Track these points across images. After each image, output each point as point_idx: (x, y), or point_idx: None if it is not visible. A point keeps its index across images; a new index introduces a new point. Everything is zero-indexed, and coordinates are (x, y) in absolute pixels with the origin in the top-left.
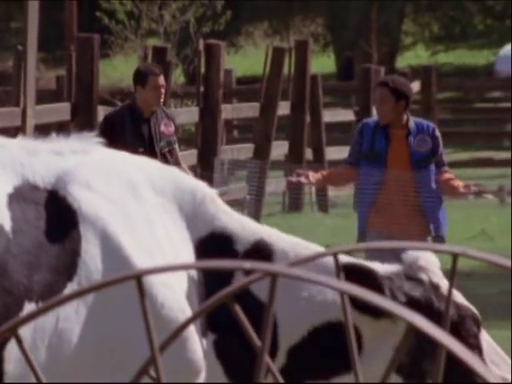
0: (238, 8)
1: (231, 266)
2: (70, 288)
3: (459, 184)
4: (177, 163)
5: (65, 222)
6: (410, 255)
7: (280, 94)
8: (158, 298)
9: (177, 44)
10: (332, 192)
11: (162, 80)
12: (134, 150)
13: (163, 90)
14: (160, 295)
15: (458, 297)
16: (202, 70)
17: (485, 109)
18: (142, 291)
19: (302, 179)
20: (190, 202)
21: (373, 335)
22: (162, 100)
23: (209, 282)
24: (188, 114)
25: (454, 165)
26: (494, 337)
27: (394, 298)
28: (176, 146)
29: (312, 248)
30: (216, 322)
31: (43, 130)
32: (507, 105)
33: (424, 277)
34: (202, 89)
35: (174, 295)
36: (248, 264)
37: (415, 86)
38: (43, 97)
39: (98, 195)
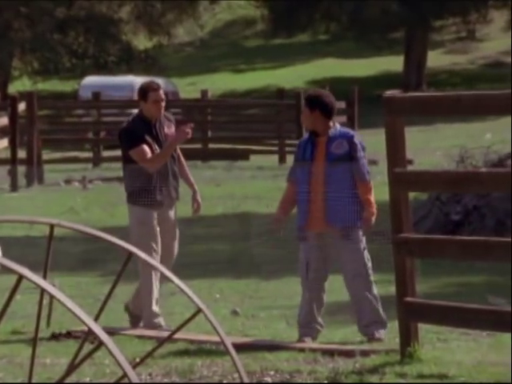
0: None
1: None
2: None
3: (369, 213)
4: (178, 157)
5: None
6: None
7: None
8: None
9: None
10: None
11: (160, 94)
12: (151, 149)
13: (163, 103)
14: None
15: None
16: None
17: (72, 122)
18: None
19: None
20: None
21: None
22: (162, 110)
23: None
24: None
25: (49, 161)
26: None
27: None
28: None
29: None
30: None
31: None
32: (88, 119)
33: None
34: None
35: None
36: None
37: (22, 106)
38: None
39: None
